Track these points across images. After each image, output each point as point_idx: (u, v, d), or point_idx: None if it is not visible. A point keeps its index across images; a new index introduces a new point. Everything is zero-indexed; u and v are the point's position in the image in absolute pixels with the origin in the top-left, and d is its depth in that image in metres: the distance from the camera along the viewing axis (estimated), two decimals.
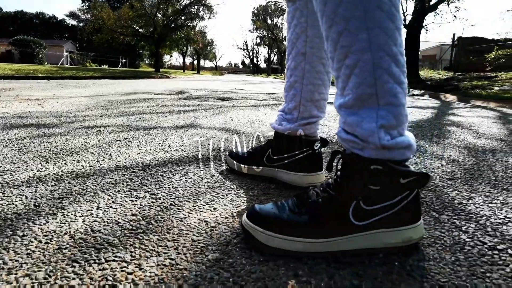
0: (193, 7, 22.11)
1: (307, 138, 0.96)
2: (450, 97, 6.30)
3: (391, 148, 0.60)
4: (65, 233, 0.69)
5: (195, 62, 51.00)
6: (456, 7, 10.83)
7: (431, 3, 10.50)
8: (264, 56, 61.50)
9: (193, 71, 45.46)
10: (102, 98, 3.61)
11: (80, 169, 1.12)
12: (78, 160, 1.22)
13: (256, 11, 48.27)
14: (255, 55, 61.66)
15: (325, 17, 0.63)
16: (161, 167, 1.17)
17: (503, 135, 2.08)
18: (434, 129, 2.20)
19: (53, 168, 1.12)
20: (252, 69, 62.59)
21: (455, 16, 10.92)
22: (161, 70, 23.24)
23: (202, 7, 22.42)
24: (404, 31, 10.85)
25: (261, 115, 2.68)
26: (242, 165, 1.08)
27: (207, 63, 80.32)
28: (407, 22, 10.99)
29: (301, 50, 0.92)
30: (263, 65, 61.27)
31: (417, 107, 3.85)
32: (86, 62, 33.24)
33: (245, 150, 1.12)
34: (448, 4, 10.87)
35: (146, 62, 49.92)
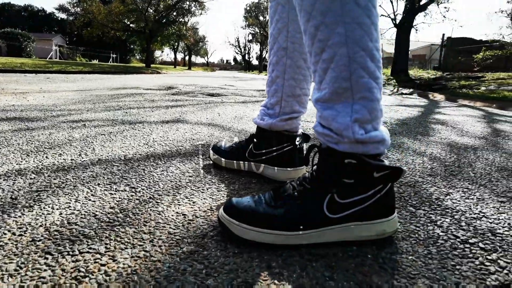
0: (184, 3, 21.93)
1: (289, 133, 0.96)
2: (438, 96, 6.39)
3: (364, 142, 0.61)
4: (40, 226, 0.68)
5: (187, 58, 50.69)
6: (445, 8, 10.95)
7: (421, 3, 10.58)
8: (256, 53, 61.33)
9: (184, 67, 45.20)
10: (90, 93, 3.57)
11: (61, 163, 1.11)
12: (60, 154, 1.21)
13: (248, 8, 48.18)
14: (247, 52, 61.50)
15: (303, 11, 0.63)
16: (143, 161, 1.16)
17: (486, 134, 2.11)
18: (419, 127, 2.22)
19: (33, 161, 1.11)
20: (244, 65, 62.43)
21: (444, 16, 11.03)
22: (152, 65, 23.05)
23: (194, 3, 22.26)
24: (394, 30, 10.93)
25: (249, 111, 2.68)
26: (224, 160, 1.08)
27: (199, 59, 79.88)
28: (397, 21, 11.07)
29: (282, 45, 0.92)
30: (255, 62, 61.23)
31: (405, 106, 3.88)
32: (76, 56, 32.80)
33: (228, 145, 1.12)
34: (437, 5, 10.97)
35: (137, 57, 49.46)
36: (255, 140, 1.02)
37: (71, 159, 1.15)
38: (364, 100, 0.61)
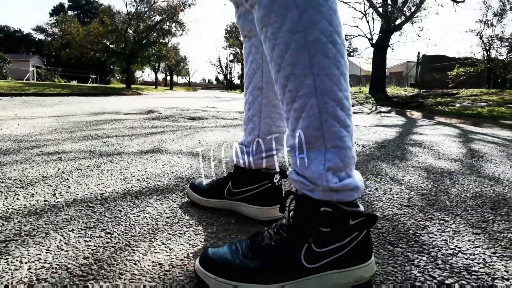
0: (165, 24, 22.09)
1: (267, 171, 0.97)
2: (416, 114, 6.57)
3: (339, 190, 0.61)
4: (5, 286, 0.65)
5: (168, 78, 50.69)
6: (419, 27, 11.42)
7: (396, 23, 10.99)
8: (238, 72, 62.08)
9: (166, 87, 45.13)
10: (68, 119, 3.51)
11: (34, 205, 1.07)
12: (33, 194, 1.17)
13: (229, 29, 48.94)
14: (228, 72, 62.10)
15: (273, 61, 0.64)
16: (120, 200, 1.14)
17: (461, 155, 2.17)
18: (397, 150, 2.27)
19: (3, 204, 1.07)
20: (226, 85, 62.93)
21: (418, 35, 11.46)
22: (132, 86, 22.94)
23: (174, 23, 22.44)
24: (371, 50, 11.27)
25: (230, 136, 2.68)
26: (202, 198, 1.06)
27: (181, 79, 79.99)
28: (374, 41, 11.43)
29: (257, 85, 0.93)
30: (237, 81, 61.78)
31: (383, 126, 3.97)
32: (54, 77, 32.35)
33: (206, 182, 1.11)
34: (412, 24, 11.41)
35: (118, 77, 49.17)
36: (233, 178, 1.02)
37: (44, 200, 1.12)
38: (336, 148, 0.62)
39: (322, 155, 0.62)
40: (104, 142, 2.21)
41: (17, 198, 1.13)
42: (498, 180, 1.59)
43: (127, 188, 1.27)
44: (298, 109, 0.62)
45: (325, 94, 0.60)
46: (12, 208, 1.04)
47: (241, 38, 0.99)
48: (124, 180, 1.37)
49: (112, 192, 1.21)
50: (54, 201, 1.11)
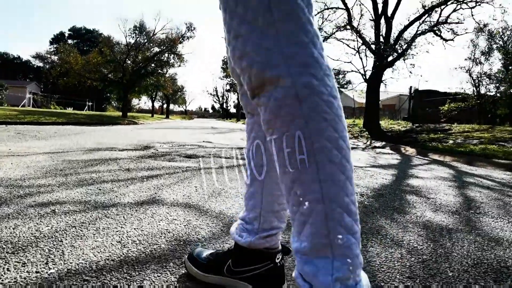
0: (163, 55, 22.50)
1: (268, 251, 0.94)
2: (410, 150, 6.63)
3: None
4: None
5: (165, 105, 51.06)
6: (411, 64, 11.70)
7: (389, 59, 11.29)
8: (234, 101, 62.91)
9: (162, 115, 45.36)
10: (62, 158, 3.47)
11: (25, 278, 1.03)
12: (24, 263, 1.13)
13: (225, 60, 50.03)
14: (225, 101, 62.95)
15: (279, 161, 0.64)
16: (116, 271, 1.10)
17: (458, 206, 2.17)
18: (395, 200, 2.26)
19: None
20: (222, 113, 63.61)
21: (410, 72, 11.76)
22: (129, 114, 23.04)
23: (172, 55, 22.87)
24: (364, 85, 11.52)
25: (226, 180, 2.66)
26: (200, 273, 1.03)
27: (177, 107, 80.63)
28: (367, 76, 11.69)
29: (259, 162, 0.93)
30: (233, 110, 62.48)
31: (379, 167, 3.98)
32: (50, 104, 32.46)
33: (205, 255, 1.08)
34: (404, 61, 11.73)
35: (114, 104, 49.45)
36: (233, 255, 0.99)
37: (36, 271, 1.07)
38: (343, 257, 0.61)
39: (329, 264, 0.61)
40: (100, 189, 2.18)
41: (8, 269, 1.08)
42: (497, 240, 1.58)
43: (123, 253, 1.23)
44: (304, 214, 0.62)
45: (332, 201, 0.60)
46: (1, 283, 1.00)
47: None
48: (119, 242, 1.33)
49: (108, 260, 1.17)
50: (47, 272, 1.07)
